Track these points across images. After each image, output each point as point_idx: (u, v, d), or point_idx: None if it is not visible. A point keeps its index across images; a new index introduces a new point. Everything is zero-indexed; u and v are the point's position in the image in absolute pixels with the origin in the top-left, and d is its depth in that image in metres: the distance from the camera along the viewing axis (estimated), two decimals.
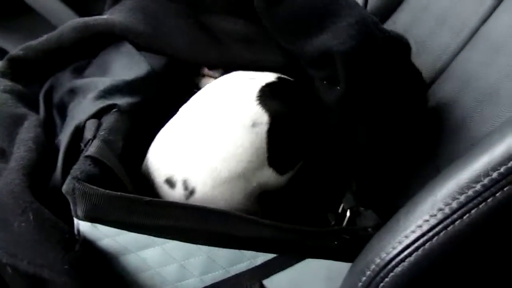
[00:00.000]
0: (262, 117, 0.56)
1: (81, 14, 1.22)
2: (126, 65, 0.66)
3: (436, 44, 0.77)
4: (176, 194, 0.55)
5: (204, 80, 0.72)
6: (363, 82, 0.62)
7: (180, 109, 0.61)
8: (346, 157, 0.66)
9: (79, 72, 0.70)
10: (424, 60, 0.77)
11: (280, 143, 0.58)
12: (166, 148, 0.58)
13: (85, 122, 0.57)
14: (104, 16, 0.69)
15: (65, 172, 0.53)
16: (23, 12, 1.22)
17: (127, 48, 0.69)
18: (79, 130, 0.56)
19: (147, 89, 0.65)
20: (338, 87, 0.61)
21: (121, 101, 0.60)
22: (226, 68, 0.69)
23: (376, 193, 0.65)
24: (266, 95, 0.58)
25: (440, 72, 0.74)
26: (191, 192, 0.55)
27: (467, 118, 0.64)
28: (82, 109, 0.60)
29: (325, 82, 0.64)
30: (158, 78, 0.67)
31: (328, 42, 0.61)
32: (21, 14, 1.23)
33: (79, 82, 0.66)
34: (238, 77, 0.63)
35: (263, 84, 0.60)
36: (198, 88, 0.65)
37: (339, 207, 0.63)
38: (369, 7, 0.95)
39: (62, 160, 0.54)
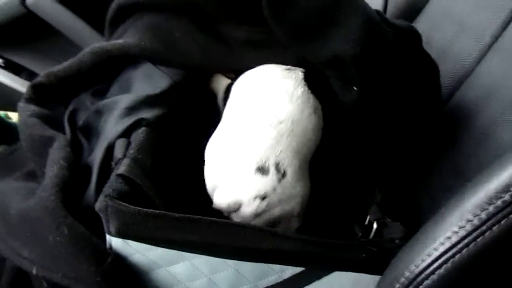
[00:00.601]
0: (317, 104, 0.63)
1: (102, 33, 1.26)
2: (147, 81, 0.69)
3: (457, 51, 0.77)
4: (269, 181, 0.58)
5: (216, 78, 0.74)
6: (378, 82, 0.62)
7: (236, 105, 0.64)
8: (370, 165, 0.66)
9: (100, 94, 0.72)
10: (446, 67, 0.77)
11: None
12: (251, 138, 0.60)
13: (115, 141, 0.59)
14: (120, 41, 0.71)
15: (99, 189, 0.54)
16: (49, 34, 1.25)
17: (145, 65, 0.71)
18: (110, 149, 0.58)
19: (170, 100, 0.67)
20: (354, 88, 0.62)
21: (147, 114, 0.62)
22: (237, 73, 0.71)
23: (402, 204, 0.64)
24: (310, 84, 0.64)
25: (463, 79, 0.74)
26: (283, 175, 0.58)
27: (493, 127, 0.63)
28: (110, 128, 0.62)
29: (340, 81, 0.65)
30: (179, 87, 0.69)
31: (338, 46, 0.62)
32: (47, 36, 1.27)
33: (103, 102, 0.68)
34: (278, 68, 0.66)
35: (303, 74, 0.65)
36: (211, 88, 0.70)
37: (365, 219, 0.63)
38: (388, 15, 0.95)
39: (96, 178, 0.56)
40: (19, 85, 1.26)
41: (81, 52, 0.73)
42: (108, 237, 0.52)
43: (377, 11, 0.66)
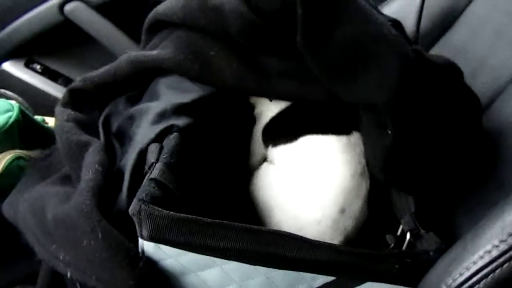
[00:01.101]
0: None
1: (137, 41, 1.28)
2: (176, 90, 0.69)
3: (496, 61, 0.75)
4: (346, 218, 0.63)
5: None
6: (414, 126, 0.60)
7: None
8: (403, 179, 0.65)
9: (134, 100, 0.73)
10: (483, 77, 0.75)
11: None
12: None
13: (147, 146, 0.59)
14: (154, 52, 0.72)
15: (131, 193, 0.55)
16: (85, 41, 1.29)
17: (177, 78, 0.71)
18: (142, 154, 0.59)
19: (200, 109, 0.67)
20: (389, 131, 0.60)
21: (177, 121, 0.62)
22: (268, 97, 0.71)
23: (436, 215, 0.63)
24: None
25: (502, 89, 0.72)
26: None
27: None
28: (143, 133, 0.63)
29: (374, 124, 0.63)
30: (209, 98, 0.68)
31: (371, 91, 0.60)
32: (83, 43, 1.30)
33: (135, 108, 0.69)
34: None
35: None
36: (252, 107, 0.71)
37: (397, 229, 0.62)
38: (422, 25, 0.94)
39: (128, 183, 0.57)
40: (56, 90, 1.29)
41: (118, 59, 0.74)
42: (140, 241, 0.52)
43: (415, 50, 0.63)
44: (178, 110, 0.65)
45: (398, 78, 0.59)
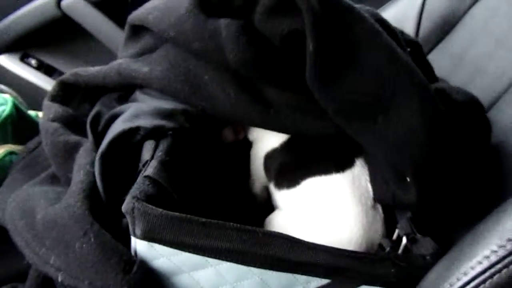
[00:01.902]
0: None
1: None
2: (159, 100, 0.66)
3: (494, 67, 0.75)
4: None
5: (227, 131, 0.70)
6: (438, 183, 0.56)
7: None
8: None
9: (124, 100, 0.71)
10: (481, 83, 0.75)
11: None
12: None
13: (106, 147, 0.58)
14: (145, 69, 0.66)
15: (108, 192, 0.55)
16: (82, 37, 1.28)
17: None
18: (104, 155, 0.57)
19: (178, 119, 0.62)
20: (408, 179, 0.56)
21: (145, 122, 0.59)
22: (272, 130, 0.64)
23: (433, 220, 0.62)
24: None
25: (500, 95, 0.72)
26: None
27: None
28: (111, 132, 0.60)
29: (390, 168, 0.58)
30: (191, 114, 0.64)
31: (395, 148, 0.55)
32: (80, 39, 1.29)
33: (115, 109, 0.67)
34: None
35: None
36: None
37: (393, 233, 0.61)
38: (421, 30, 0.94)
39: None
40: (51, 86, 1.27)
41: (109, 65, 0.71)
42: (133, 240, 0.52)
43: (439, 89, 0.58)
44: (151, 113, 0.62)
45: (426, 135, 0.54)
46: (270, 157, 0.67)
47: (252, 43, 0.57)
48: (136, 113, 0.62)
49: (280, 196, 0.67)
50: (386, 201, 0.61)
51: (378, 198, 0.61)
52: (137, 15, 0.70)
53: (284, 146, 0.66)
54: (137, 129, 0.58)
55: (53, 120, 0.66)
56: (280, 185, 0.66)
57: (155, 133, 0.59)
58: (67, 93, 0.73)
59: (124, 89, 0.71)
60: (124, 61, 0.71)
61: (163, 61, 0.66)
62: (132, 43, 0.74)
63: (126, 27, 0.74)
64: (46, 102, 0.70)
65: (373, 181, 0.62)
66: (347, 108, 0.56)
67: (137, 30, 0.73)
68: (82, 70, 0.74)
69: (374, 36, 0.55)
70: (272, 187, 0.69)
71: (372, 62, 0.55)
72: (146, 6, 0.69)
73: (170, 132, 0.60)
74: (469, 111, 0.62)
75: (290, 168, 0.65)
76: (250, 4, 0.58)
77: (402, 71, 0.55)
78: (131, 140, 0.58)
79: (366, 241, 0.60)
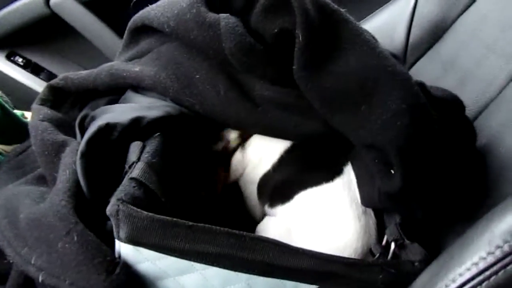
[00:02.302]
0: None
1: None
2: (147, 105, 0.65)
3: (484, 73, 0.75)
4: None
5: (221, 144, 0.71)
6: (422, 169, 0.57)
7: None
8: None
9: (115, 103, 0.70)
10: (471, 89, 0.75)
11: None
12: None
13: (86, 144, 0.57)
14: (137, 68, 0.68)
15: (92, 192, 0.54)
16: (71, 36, 1.26)
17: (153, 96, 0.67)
18: (87, 152, 0.57)
19: (162, 127, 0.62)
20: (393, 171, 0.56)
21: (123, 118, 0.59)
22: (261, 132, 0.66)
23: (422, 225, 0.62)
24: None
25: (489, 101, 0.72)
26: None
27: None
28: (89, 131, 0.60)
29: (380, 164, 0.58)
30: (174, 124, 0.63)
31: (379, 132, 0.56)
32: (68, 38, 1.27)
33: (99, 109, 0.66)
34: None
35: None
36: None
37: (382, 239, 0.61)
38: (411, 36, 0.94)
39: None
40: (38, 85, 1.26)
41: (100, 67, 0.71)
42: (117, 243, 0.50)
43: (419, 84, 0.60)
44: (137, 108, 0.62)
45: (409, 118, 0.55)
46: (264, 182, 0.69)
47: (248, 36, 0.61)
48: (115, 110, 0.62)
49: (274, 211, 0.67)
50: (373, 202, 0.62)
51: (365, 200, 0.62)
52: (138, 15, 0.72)
53: (276, 167, 0.67)
54: (114, 125, 0.58)
55: (43, 120, 0.65)
56: (274, 204, 0.67)
57: (135, 128, 0.58)
58: (57, 98, 0.72)
59: (114, 92, 0.71)
60: (116, 63, 0.72)
61: (154, 63, 0.68)
62: (127, 50, 0.75)
63: (125, 33, 0.75)
64: (35, 106, 0.69)
65: (360, 182, 0.63)
66: (332, 98, 0.58)
67: (135, 36, 0.74)
68: (73, 74, 0.73)
69: (357, 33, 0.59)
70: (266, 209, 0.69)
71: (355, 54, 0.58)
72: (148, 7, 0.71)
73: (159, 133, 0.59)
74: (449, 108, 0.63)
75: (282, 186, 0.67)
76: (249, 5, 0.62)
77: (384, 62, 0.58)
78: (109, 137, 0.58)
79: (361, 245, 0.61)
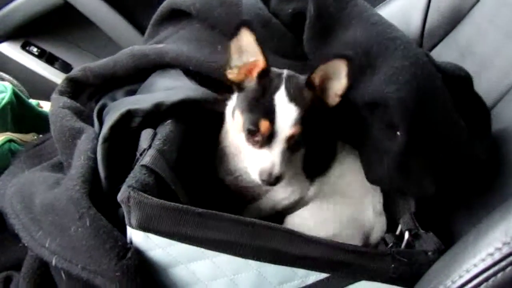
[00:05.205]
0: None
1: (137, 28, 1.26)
2: (167, 88, 0.68)
3: (503, 60, 0.73)
4: None
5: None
6: (425, 127, 0.58)
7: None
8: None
9: (132, 94, 0.72)
10: (490, 75, 0.73)
11: None
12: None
13: (109, 131, 0.59)
14: (160, 45, 0.72)
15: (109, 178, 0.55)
16: (84, 26, 1.26)
17: (175, 72, 0.71)
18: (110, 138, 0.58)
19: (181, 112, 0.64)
20: (398, 133, 0.58)
21: (144, 104, 0.61)
22: None
23: (437, 215, 0.61)
24: None
25: (508, 88, 0.70)
26: None
27: None
28: (110, 117, 0.61)
29: (383, 125, 0.60)
30: (192, 105, 0.65)
31: (382, 87, 0.58)
32: (82, 28, 1.27)
33: (116, 102, 0.68)
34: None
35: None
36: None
37: (396, 228, 0.60)
38: (428, 22, 0.91)
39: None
40: (52, 74, 1.27)
41: (121, 52, 0.74)
42: (128, 229, 0.51)
43: (426, 53, 0.62)
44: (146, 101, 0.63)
45: (412, 73, 0.57)
46: None
47: (267, 12, 0.69)
48: (134, 99, 0.63)
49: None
50: (379, 174, 0.63)
51: (370, 176, 0.64)
52: (165, 3, 0.78)
53: None
54: (135, 111, 0.59)
55: (63, 107, 0.67)
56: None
57: (156, 113, 0.60)
58: (75, 90, 0.74)
59: (133, 79, 0.72)
60: (136, 46, 0.75)
61: (176, 41, 0.73)
62: (148, 39, 0.80)
63: (148, 28, 0.81)
64: (55, 96, 0.71)
65: (366, 161, 0.65)
66: None
67: (158, 25, 0.79)
68: (91, 63, 0.75)
69: (365, 9, 0.65)
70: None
71: (362, 25, 0.63)
72: None
73: (170, 120, 0.59)
74: (456, 79, 0.63)
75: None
76: None
77: (389, 29, 0.63)
78: (130, 123, 0.59)
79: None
